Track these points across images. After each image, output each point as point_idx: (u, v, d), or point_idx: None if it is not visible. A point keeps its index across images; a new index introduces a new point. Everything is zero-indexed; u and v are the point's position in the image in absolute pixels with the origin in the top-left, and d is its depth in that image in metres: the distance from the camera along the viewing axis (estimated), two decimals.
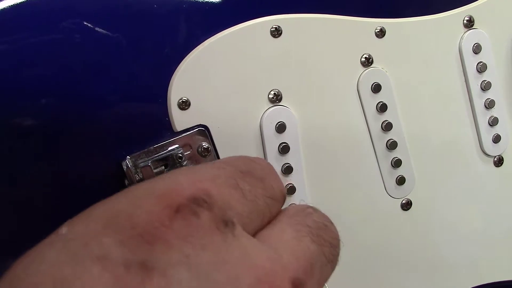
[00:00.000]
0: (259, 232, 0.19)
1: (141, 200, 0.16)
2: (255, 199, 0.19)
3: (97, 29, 0.28)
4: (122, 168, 0.29)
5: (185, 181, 0.17)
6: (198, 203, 0.16)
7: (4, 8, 0.27)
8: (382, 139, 0.35)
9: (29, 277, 0.14)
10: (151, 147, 0.29)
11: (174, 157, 0.29)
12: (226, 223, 0.17)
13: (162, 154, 0.29)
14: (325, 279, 0.20)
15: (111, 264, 0.14)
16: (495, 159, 0.39)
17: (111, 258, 0.14)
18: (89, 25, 0.28)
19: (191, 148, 0.30)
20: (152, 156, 0.29)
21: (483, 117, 0.38)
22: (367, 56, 0.34)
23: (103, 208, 0.17)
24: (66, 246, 0.15)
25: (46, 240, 0.16)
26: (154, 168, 0.29)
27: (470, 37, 0.37)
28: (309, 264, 0.18)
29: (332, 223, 0.21)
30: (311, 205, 0.22)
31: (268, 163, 0.22)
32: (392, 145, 0.35)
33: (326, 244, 0.20)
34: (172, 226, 0.15)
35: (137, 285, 0.14)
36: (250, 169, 0.20)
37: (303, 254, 0.18)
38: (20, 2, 0.27)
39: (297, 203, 0.32)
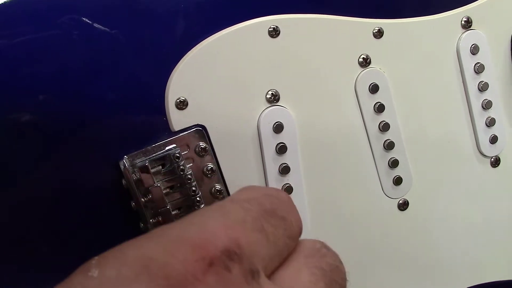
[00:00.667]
0: (276, 271, 0.20)
1: (175, 248, 0.16)
2: (277, 241, 0.19)
3: (95, 27, 0.28)
4: (120, 168, 0.29)
5: (217, 228, 0.17)
6: (230, 256, 0.17)
7: (3, 3, 0.27)
8: (380, 139, 0.35)
9: None
10: (149, 147, 0.29)
11: (172, 156, 0.29)
12: (253, 275, 0.17)
13: (159, 154, 0.29)
14: None
15: None
16: (492, 159, 0.39)
17: None
18: (87, 23, 0.28)
19: (189, 148, 0.30)
20: (150, 156, 0.29)
21: (480, 117, 0.38)
22: (365, 57, 0.34)
23: (135, 252, 0.16)
24: None
25: (76, 280, 0.16)
26: (152, 168, 0.29)
27: (468, 38, 0.37)
28: None
29: (342, 263, 0.21)
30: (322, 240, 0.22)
31: (288, 196, 0.22)
32: (389, 146, 0.35)
33: (337, 287, 0.20)
34: (205, 281, 0.16)
35: None
36: (274, 208, 0.20)
37: None
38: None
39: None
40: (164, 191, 0.29)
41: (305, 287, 0.19)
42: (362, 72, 0.34)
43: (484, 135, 0.38)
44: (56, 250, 0.29)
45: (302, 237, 0.33)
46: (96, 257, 0.17)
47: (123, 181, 0.29)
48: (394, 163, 0.35)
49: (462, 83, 0.37)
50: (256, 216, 0.19)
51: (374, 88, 0.34)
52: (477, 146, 0.38)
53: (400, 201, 0.36)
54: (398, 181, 0.36)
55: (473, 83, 0.37)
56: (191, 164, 0.30)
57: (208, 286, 0.16)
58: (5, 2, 0.27)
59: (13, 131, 0.27)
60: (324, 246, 0.22)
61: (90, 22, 0.28)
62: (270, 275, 0.19)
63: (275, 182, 0.32)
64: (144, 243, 0.17)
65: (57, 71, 0.28)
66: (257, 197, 0.21)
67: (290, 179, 0.33)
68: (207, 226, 0.18)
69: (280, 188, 0.32)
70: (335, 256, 0.21)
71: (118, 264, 0.16)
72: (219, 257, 0.16)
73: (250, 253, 0.17)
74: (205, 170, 0.31)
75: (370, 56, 0.34)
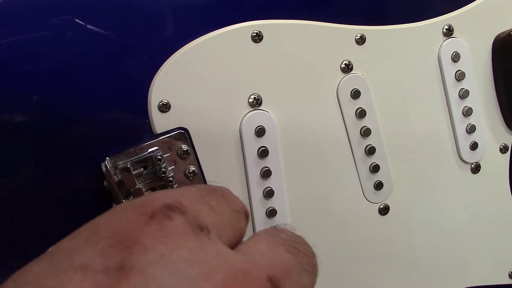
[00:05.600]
0: (235, 246, 0.21)
1: (120, 213, 0.18)
2: (222, 213, 0.20)
3: (79, 29, 0.28)
4: (101, 169, 0.29)
5: (159, 194, 0.19)
6: (171, 209, 0.18)
7: None
8: (361, 144, 0.35)
9: (17, 287, 0.16)
10: (131, 149, 0.30)
11: (154, 159, 0.30)
12: (201, 228, 0.18)
13: (141, 156, 0.30)
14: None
15: (92, 271, 0.16)
16: (472, 166, 0.40)
17: (92, 266, 0.16)
18: (71, 25, 0.28)
19: (171, 150, 0.31)
20: (132, 158, 0.30)
21: (461, 124, 0.39)
22: (347, 63, 0.34)
23: (86, 225, 0.18)
24: (51, 260, 0.16)
25: (37, 258, 0.17)
26: (133, 170, 0.29)
27: (449, 46, 0.37)
28: (285, 269, 0.20)
29: (305, 240, 0.22)
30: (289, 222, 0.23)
31: (225, 187, 0.24)
32: (370, 151, 0.36)
33: (300, 254, 0.21)
34: (147, 230, 0.17)
35: (114, 285, 0.15)
36: (213, 189, 0.22)
37: (278, 259, 0.20)
38: None
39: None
40: (145, 193, 0.29)
41: (263, 252, 0.20)
42: (344, 78, 0.34)
43: (464, 142, 0.39)
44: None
45: None
46: None
47: (105, 183, 0.29)
48: (375, 168, 0.36)
49: (443, 90, 0.38)
50: (197, 192, 0.21)
51: (355, 94, 0.35)
52: (457, 152, 0.39)
53: (381, 206, 0.37)
54: (379, 186, 0.36)
55: (454, 90, 0.38)
56: (173, 167, 0.31)
57: (151, 234, 0.17)
58: None
59: None
60: (287, 225, 0.23)
61: (74, 24, 0.28)
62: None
63: (257, 185, 0.33)
64: (95, 218, 0.18)
65: (39, 72, 0.28)
66: (196, 185, 0.23)
67: (271, 182, 0.33)
68: (151, 195, 0.19)
69: (262, 192, 0.33)
70: (297, 235, 0.22)
71: (70, 237, 0.18)
72: (159, 209, 0.18)
73: (195, 213, 0.19)
74: (187, 172, 0.31)
75: (352, 62, 0.35)
